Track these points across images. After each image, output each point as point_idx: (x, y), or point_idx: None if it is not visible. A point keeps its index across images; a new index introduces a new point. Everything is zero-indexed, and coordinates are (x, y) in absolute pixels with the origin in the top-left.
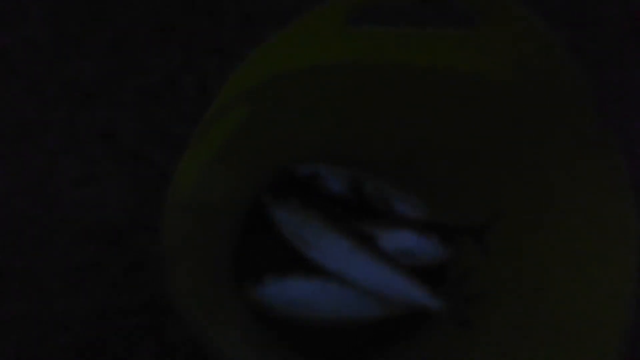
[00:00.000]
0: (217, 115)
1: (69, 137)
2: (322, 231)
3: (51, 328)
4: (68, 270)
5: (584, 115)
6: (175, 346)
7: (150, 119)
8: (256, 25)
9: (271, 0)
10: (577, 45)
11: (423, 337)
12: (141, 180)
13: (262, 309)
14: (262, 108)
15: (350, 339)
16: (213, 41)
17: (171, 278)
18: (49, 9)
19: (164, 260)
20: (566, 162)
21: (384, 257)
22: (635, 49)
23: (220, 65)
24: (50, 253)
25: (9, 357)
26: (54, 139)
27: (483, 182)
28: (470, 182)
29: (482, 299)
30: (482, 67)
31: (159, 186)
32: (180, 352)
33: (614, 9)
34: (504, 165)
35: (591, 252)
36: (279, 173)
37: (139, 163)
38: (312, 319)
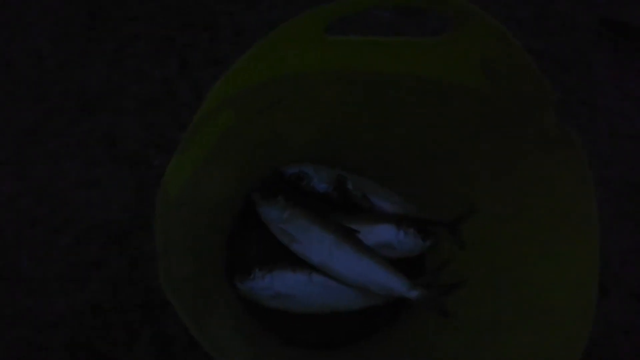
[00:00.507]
0: (203, 118)
1: (73, 142)
2: (307, 227)
3: (51, 325)
4: (70, 268)
5: (549, 115)
6: (172, 338)
7: (149, 125)
8: (249, 38)
9: (263, 15)
10: (548, 50)
11: (403, 324)
12: (141, 183)
13: (251, 300)
14: (249, 111)
15: (336, 327)
16: (209, 53)
17: (163, 270)
18: (53, 21)
19: (157, 255)
20: (533, 158)
21: (366, 249)
22: (603, 54)
23: (216, 75)
24: (53, 252)
25: (9, 354)
26: (58, 144)
27: (457, 179)
28: (445, 179)
29: (457, 288)
30: (453, 73)
31: (157, 188)
32: (177, 343)
33: (583, 16)
34: (476, 162)
35: (558, 241)
36: (268, 174)
37: (139, 166)
38: (299, 309)
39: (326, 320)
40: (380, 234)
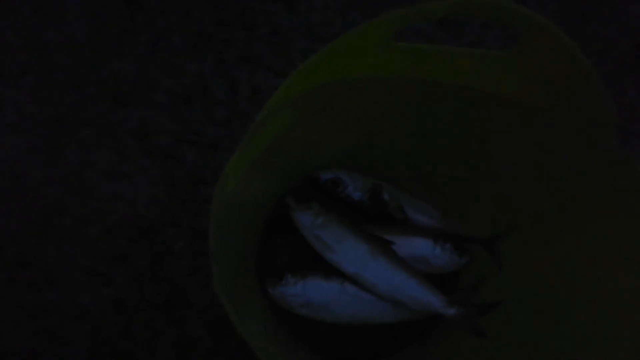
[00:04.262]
0: (264, 119)
1: (104, 133)
2: (341, 235)
3: (74, 318)
4: (95, 261)
5: (609, 139)
6: (195, 339)
7: (182, 120)
8: (285, 38)
9: (300, 15)
10: None
11: (434, 343)
12: (171, 178)
13: (282, 307)
14: (300, 116)
15: (366, 340)
16: (245, 51)
17: (216, 274)
18: (89, 9)
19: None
20: (588, 182)
21: (401, 262)
22: (636, 79)
23: (250, 73)
24: (79, 244)
25: (30, 345)
26: (90, 134)
27: (499, 197)
28: (486, 197)
29: (495, 308)
30: (512, 87)
31: (188, 184)
32: (200, 345)
33: (619, 40)
34: (521, 180)
35: (608, 273)
36: (303, 178)
37: (170, 161)
38: (330, 319)
39: (356, 333)
40: (415, 247)
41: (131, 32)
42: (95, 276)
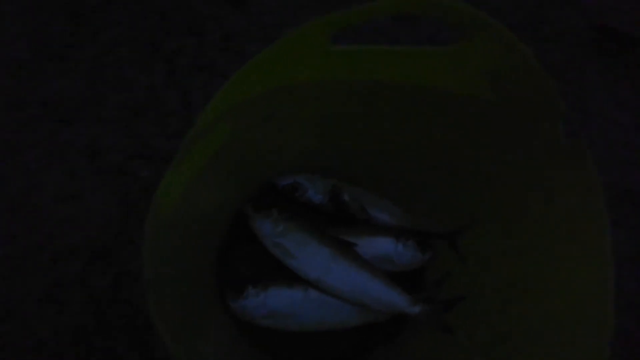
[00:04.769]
0: (200, 133)
1: (52, 154)
2: (302, 240)
3: (31, 351)
4: (50, 289)
5: (557, 126)
6: None
7: (133, 135)
8: (237, 43)
9: (251, 18)
10: (540, 57)
11: (404, 341)
12: (125, 196)
13: (245, 320)
14: (245, 124)
15: (333, 345)
16: (197, 59)
17: (151, 301)
18: (30, 27)
19: (146, 282)
20: (540, 169)
21: (364, 263)
22: (595, 59)
23: (203, 81)
24: (31, 273)
25: None
26: (36, 156)
27: (458, 191)
28: (445, 191)
29: (459, 303)
30: (459, 83)
31: (144, 201)
32: None
33: (576, 23)
34: (479, 174)
35: (568, 255)
36: (261, 185)
37: (123, 178)
38: (295, 327)
39: (324, 338)
40: (378, 246)
41: (75, 47)
42: (50, 304)
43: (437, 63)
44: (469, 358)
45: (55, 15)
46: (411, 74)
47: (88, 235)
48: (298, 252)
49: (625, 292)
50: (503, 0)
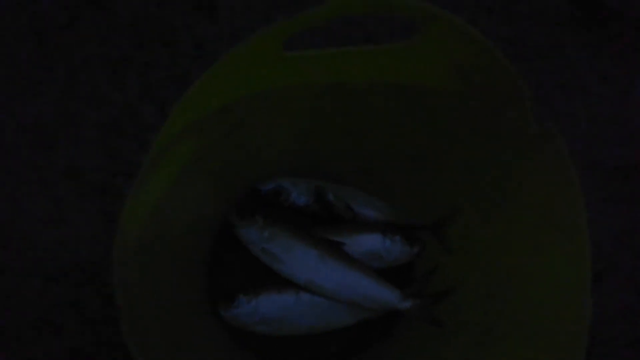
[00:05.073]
0: (157, 155)
1: (33, 179)
2: (289, 245)
3: None
4: (43, 313)
5: (525, 112)
6: None
7: (113, 153)
8: (210, 49)
9: (221, 23)
10: (519, 36)
11: (398, 337)
12: (110, 215)
13: (238, 328)
14: (213, 135)
15: (327, 346)
16: (170, 69)
17: (126, 327)
18: None
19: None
20: (513, 156)
21: (353, 262)
22: (574, 36)
23: (179, 92)
24: (23, 298)
25: None
26: (17, 183)
27: (439, 182)
28: (426, 183)
29: (447, 296)
30: (423, 76)
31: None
32: None
33: None
34: (457, 164)
35: (547, 242)
36: (244, 192)
37: (107, 197)
38: (288, 332)
39: (318, 340)
40: (366, 243)
41: (46, 68)
42: (45, 327)
43: (396, 58)
44: (461, 351)
45: (22, 38)
46: (370, 71)
47: (77, 257)
48: (286, 256)
49: (622, 267)
50: None
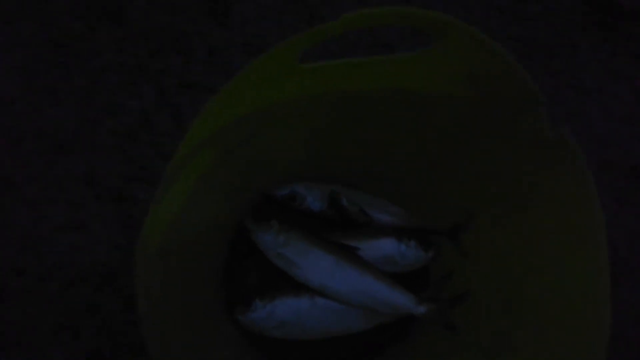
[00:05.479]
0: (180, 164)
1: (51, 185)
2: (305, 249)
3: None
4: (62, 317)
5: (539, 118)
6: None
7: (129, 159)
8: (222, 56)
9: (234, 30)
10: (532, 36)
11: (413, 341)
12: (127, 219)
13: (254, 333)
14: (230, 145)
15: (341, 350)
16: (184, 76)
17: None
18: (18, 62)
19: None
20: (528, 163)
21: (368, 267)
22: (588, 35)
23: (193, 99)
24: (43, 302)
25: None
26: (36, 189)
27: (453, 188)
28: (441, 189)
29: (463, 300)
30: (438, 84)
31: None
32: None
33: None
34: (470, 170)
35: (564, 247)
36: (259, 198)
37: (123, 203)
38: (304, 336)
39: (333, 344)
40: (381, 248)
41: (64, 78)
42: (64, 331)
43: (411, 67)
44: (472, 356)
45: (41, 48)
46: (384, 80)
47: (95, 261)
48: (301, 261)
49: (636, 269)
50: None
